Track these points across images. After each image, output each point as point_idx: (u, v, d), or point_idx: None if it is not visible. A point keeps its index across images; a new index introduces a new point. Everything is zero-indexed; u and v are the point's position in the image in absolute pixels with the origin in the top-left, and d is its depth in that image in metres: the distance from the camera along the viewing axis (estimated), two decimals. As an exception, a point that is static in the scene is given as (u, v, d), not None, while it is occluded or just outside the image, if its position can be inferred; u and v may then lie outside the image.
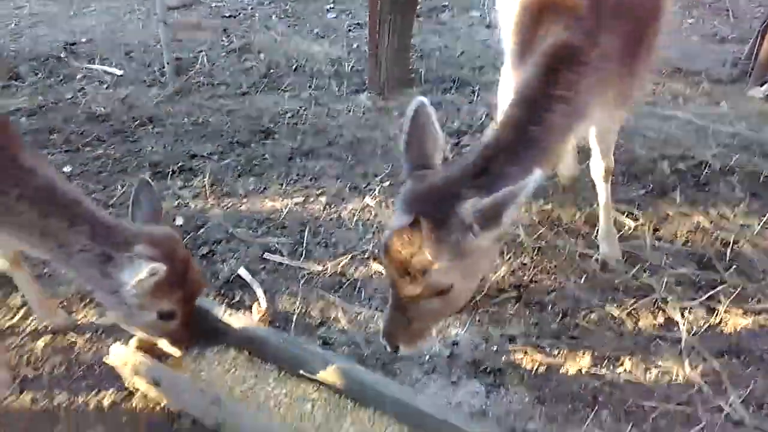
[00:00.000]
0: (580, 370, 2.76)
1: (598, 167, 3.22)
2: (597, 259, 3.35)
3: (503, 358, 2.81)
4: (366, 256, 3.44)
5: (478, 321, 3.03)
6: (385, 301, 3.13)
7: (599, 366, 2.78)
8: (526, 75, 2.38)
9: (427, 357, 2.84)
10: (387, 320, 2.28)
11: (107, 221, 2.34)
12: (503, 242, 3.38)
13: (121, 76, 5.63)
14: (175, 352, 2.50)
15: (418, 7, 5.69)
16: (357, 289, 3.24)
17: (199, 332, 2.60)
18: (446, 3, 7.15)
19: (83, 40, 6.39)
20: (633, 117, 4.74)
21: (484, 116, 4.83)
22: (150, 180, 2.58)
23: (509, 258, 3.39)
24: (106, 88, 5.46)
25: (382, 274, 3.33)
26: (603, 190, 3.31)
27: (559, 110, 2.27)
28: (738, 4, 7.12)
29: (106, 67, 5.72)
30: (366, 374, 2.49)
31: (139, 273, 2.17)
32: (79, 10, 7.21)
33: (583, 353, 2.84)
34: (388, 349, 2.32)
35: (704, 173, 4.07)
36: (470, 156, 2.23)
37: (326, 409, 2.52)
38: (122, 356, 2.53)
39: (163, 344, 2.49)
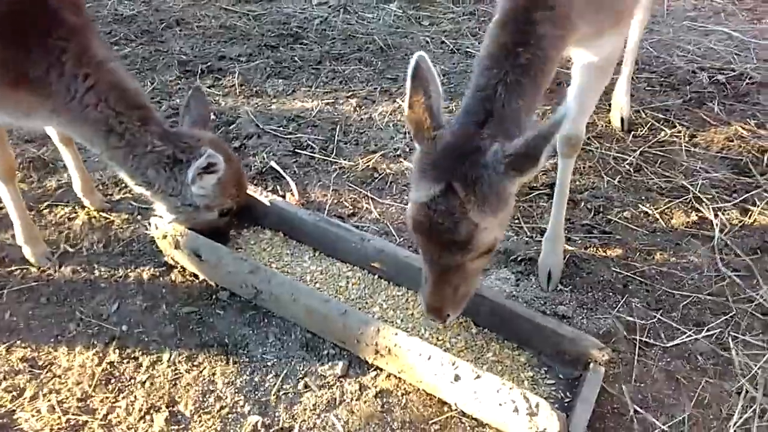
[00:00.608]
0: (611, 260, 2.78)
1: (564, 135, 2.52)
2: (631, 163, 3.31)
3: (534, 248, 2.82)
4: (398, 153, 3.43)
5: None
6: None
7: (630, 259, 2.80)
8: None
9: (459, 246, 2.86)
10: (431, 295, 2.06)
11: (169, 126, 2.41)
12: None
13: (146, -21, 5.49)
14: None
15: None
16: (388, 183, 3.25)
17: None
18: None
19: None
20: (671, 30, 4.61)
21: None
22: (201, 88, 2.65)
23: (542, 158, 3.36)
24: (131, -12, 5.34)
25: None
26: (564, 169, 2.66)
27: (545, 20, 1.99)
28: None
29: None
30: (401, 251, 2.53)
31: (216, 168, 2.30)
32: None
33: (615, 246, 2.85)
34: (437, 322, 2.20)
35: (744, 85, 3.95)
36: (469, 103, 2.00)
37: (360, 285, 2.57)
38: (163, 228, 2.57)
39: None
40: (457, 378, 2.05)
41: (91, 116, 2.24)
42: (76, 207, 3.04)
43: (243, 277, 2.43)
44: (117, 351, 2.40)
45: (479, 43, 4.48)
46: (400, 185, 3.23)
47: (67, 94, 2.20)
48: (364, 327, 2.20)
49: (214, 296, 2.61)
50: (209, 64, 4.27)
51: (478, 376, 2.02)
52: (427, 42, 4.56)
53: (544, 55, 2.00)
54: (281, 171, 3.27)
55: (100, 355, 2.38)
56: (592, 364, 2.18)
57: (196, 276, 2.68)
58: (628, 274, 2.72)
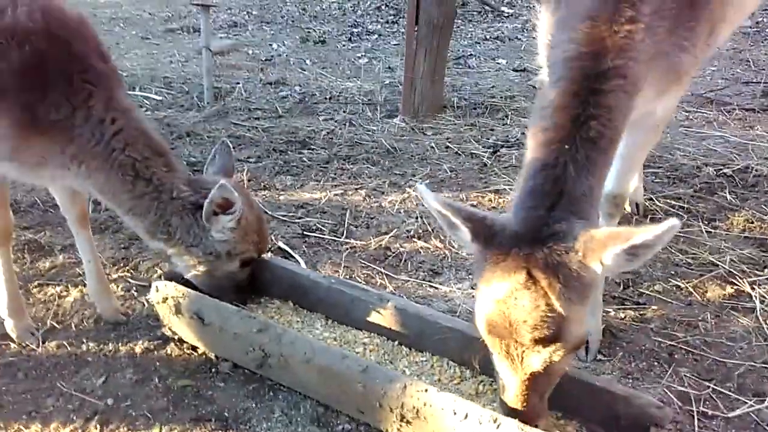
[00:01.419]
0: (651, 330, 2.55)
1: (608, 193, 2.37)
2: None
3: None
4: (411, 234, 3.32)
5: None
6: (432, 273, 2.99)
7: (670, 329, 2.57)
8: (564, 51, 1.90)
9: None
10: (519, 407, 1.78)
11: (187, 172, 2.36)
12: None
13: (160, 100, 5.76)
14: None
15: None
16: (403, 260, 3.09)
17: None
18: (472, 53, 7.41)
19: (125, 74, 6.62)
20: (668, 135, 4.75)
21: (519, 134, 4.83)
22: (228, 142, 2.62)
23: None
24: (146, 111, 5.56)
25: (429, 249, 3.20)
26: None
27: (617, 89, 1.81)
28: (757, 55, 7.30)
29: (146, 93, 5.87)
30: (424, 309, 2.31)
31: (235, 208, 2.21)
32: (121, 55, 7.54)
33: (652, 317, 2.63)
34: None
35: (751, 176, 3.97)
36: (534, 183, 1.79)
37: (380, 351, 2.31)
38: (165, 291, 2.36)
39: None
40: (499, 439, 1.74)
41: (118, 161, 2.15)
42: (69, 286, 2.83)
43: (250, 338, 2.17)
44: (99, 426, 2.07)
45: (483, 147, 4.60)
46: (415, 262, 3.07)
47: (92, 138, 2.12)
48: (388, 385, 1.92)
49: (213, 369, 2.33)
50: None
51: (525, 434, 1.71)
52: (432, 147, 4.66)
53: (614, 126, 1.82)
54: (290, 251, 3.13)
55: (79, 431, 2.05)
56: (653, 429, 1.88)
57: (194, 348, 2.41)
58: (672, 343, 2.47)
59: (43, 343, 2.46)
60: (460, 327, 2.23)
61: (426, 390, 1.87)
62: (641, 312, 2.67)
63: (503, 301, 1.66)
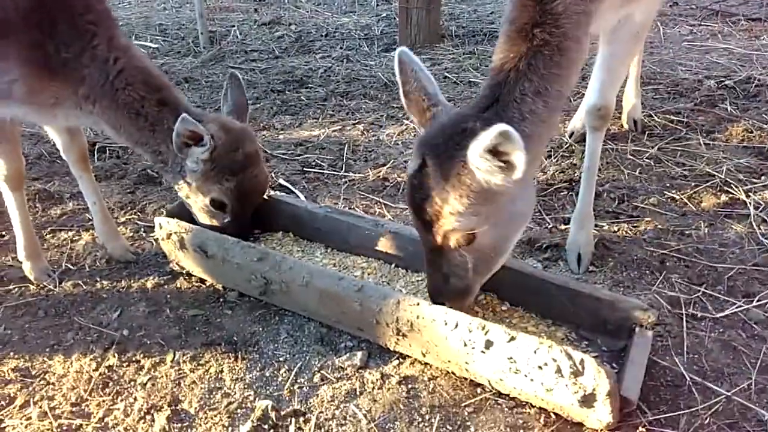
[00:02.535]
0: (643, 241, 2.60)
1: (591, 105, 2.42)
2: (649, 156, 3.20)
3: (558, 236, 2.66)
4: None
5: (530, 209, 2.89)
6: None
7: (663, 239, 2.62)
8: None
9: (479, 240, 2.70)
10: (428, 279, 2.06)
11: (189, 107, 2.39)
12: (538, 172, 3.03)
13: (157, 48, 5.74)
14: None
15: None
16: (401, 190, 3.14)
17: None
18: (471, -20, 7.21)
19: (120, 24, 6.55)
20: (671, 51, 4.65)
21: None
22: (237, 75, 2.63)
23: (557, 159, 3.27)
24: (142, 59, 5.55)
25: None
26: (592, 143, 2.47)
27: None
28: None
29: (141, 42, 5.84)
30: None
31: (205, 141, 2.24)
32: (114, 4, 7.44)
33: (646, 228, 2.68)
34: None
35: (753, 87, 3.91)
36: (482, 87, 1.94)
37: (377, 274, 2.41)
38: (168, 228, 2.45)
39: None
40: (489, 344, 1.83)
41: (121, 99, 2.25)
42: (80, 231, 2.94)
43: (252, 267, 2.27)
44: (116, 355, 2.20)
45: (481, 75, 4.55)
46: (412, 190, 3.12)
47: (100, 77, 2.20)
48: (382, 302, 2.01)
49: (221, 299, 2.44)
50: (217, 107, 4.32)
51: (512, 338, 1.80)
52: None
53: (561, 33, 1.85)
54: (290, 186, 3.19)
55: (98, 360, 2.19)
56: (637, 329, 1.96)
57: (202, 281, 2.53)
58: (664, 252, 2.53)
59: (60, 283, 2.58)
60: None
61: (418, 303, 1.96)
62: (635, 225, 2.71)
63: (408, 178, 1.93)
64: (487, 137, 1.65)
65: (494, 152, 1.69)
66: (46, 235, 2.92)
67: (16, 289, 2.57)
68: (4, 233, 2.92)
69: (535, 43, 1.84)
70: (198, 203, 2.45)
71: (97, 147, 3.68)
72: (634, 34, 2.29)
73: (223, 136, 2.33)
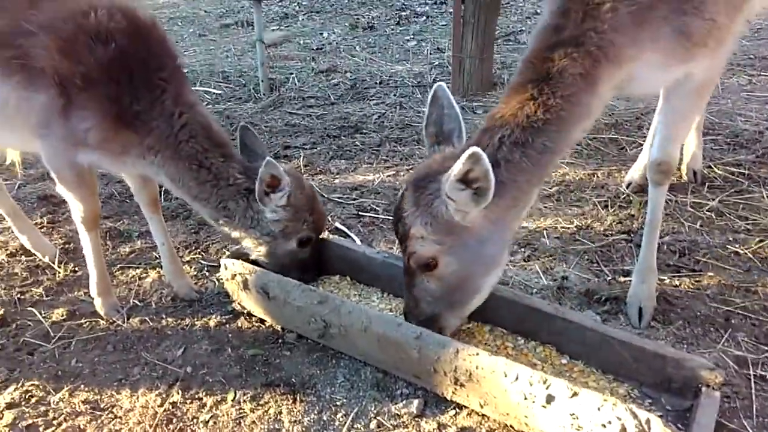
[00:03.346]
0: (707, 296, 2.54)
1: (653, 160, 2.41)
2: (711, 209, 3.14)
3: (618, 289, 2.62)
4: (462, 211, 3.39)
5: (587, 260, 2.87)
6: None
7: (727, 295, 2.55)
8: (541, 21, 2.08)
9: (535, 290, 2.70)
10: (404, 298, 2.28)
11: (246, 161, 2.52)
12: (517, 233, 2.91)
13: (219, 94, 6.02)
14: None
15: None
16: (455, 237, 3.17)
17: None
18: (522, 28, 7.33)
19: (185, 70, 6.92)
20: (730, 101, 4.59)
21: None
22: (249, 127, 2.74)
23: (614, 210, 3.25)
24: (206, 105, 5.84)
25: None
26: (655, 197, 2.47)
27: (577, 56, 1.94)
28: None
29: (205, 88, 6.15)
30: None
31: (282, 185, 2.37)
32: (181, 52, 7.89)
33: (708, 283, 2.62)
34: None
35: (820, 139, 3.82)
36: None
37: (434, 321, 2.42)
38: (233, 269, 2.55)
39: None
40: (550, 399, 1.82)
41: (184, 152, 2.37)
42: (147, 268, 3.08)
43: (312, 310, 2.33)
44: (180, 392, 2.28)
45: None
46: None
47: (165, 130, 2.34)
48: (440, 350, 2.03)
49: (280, 339, 2.50)
50: (276, 152, 4.49)
51: (575, 394, 1.79)
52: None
53: (552, 93, 1.97)
54: (346, 230, 3.27)
55: (163, 396, 2.27)
56: (704, 389, 1.91)
57: (262, 321, 2.60)
58: (729, 309, 2.46)
59: (128, 319, 2.70)
60: (509, 296, 2.31)
61: (477, 354, 1.97)
62: (697, 279, 2.66)
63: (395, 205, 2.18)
64: (459, 163, 1.87)
65: (466, 181, 1.91)
66: (115, 271, 3.07)
67: (87, 324, 2.70)
68: (77, 269, 3.09)
69: (525, 97, 1.98)
70: (283, 247, 2.54)
71: (163, 188, 3.85)
72: (696, 92, 2.28)
73: (290, 179, 2.43)
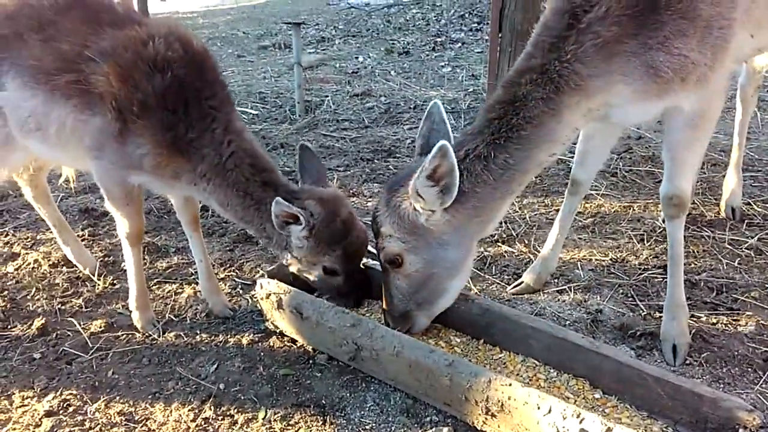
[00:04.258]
0: (744, 336, 2.49)
1: (663, 194, 2.39)
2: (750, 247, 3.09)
3: (654, 324, 2.59)
4: (495, 238, 3.40)
5: (622, 293, 2.85)
6: (517, 276, 3.06)
7: (766, 335, 2.49)
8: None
9: (568, 322, 2.68)
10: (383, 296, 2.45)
11: (289, 185, 2.57)
12: (479, 246, 2.96)
13: (256, 114, 6.17)
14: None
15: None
16: (487, 264, 3.18)
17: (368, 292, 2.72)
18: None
19: (224, 91, 7.11)
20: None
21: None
22: (308, 145, 2.79)
23: (650, 243, 3.22)
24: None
25: (513, 252, 3.28)
26: (672, 231, 2.44)
27: (541, 82, 2.09)
28: None
29: (243, 108, 6.30)
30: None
31: (301, 221, 2.41)
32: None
33: (746, 322, 2.57)
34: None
35: None
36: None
37: (465, 348, 2.42)
38: (268, 288, 2.59)
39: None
40: (583, 434, 1.80)
41: (231, 179, 2.44)
42: (183, 284, 3.15)
43: (344, 332, 2.35)
44: (213, 408, 2.31)
45: (569, 152, 4.58)
46: (499, 265, 3.15)
47: (215, 157, 2.41)
48: (473, 379, 2.03)
49: (311, 360, 2.53)
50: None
51: (609, 430, 1.76)
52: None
53: (515, 113, 2.13)
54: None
55: (196, 411, 2.30)
56: (741, 430, 1.86)
57: (294, 341, 2.63)
58: (767, 349, 2.41)
59: (163, 333, 2.76)
60: (543, 328, 2.30)
61: (510, 384, 1.96)
62: (735, 318, 2.61)
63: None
64: (428, 158, 2.02)
65: (434, 178, 2.08)
66: (152, 286, 3.14)
67: (124, 336, 2.76)
68: (115, 282, 3.17)
69: (492, 116, 2.16)
70: (312, 273, 2.58)
71: (201, 204, 3.95)
72: (690, 125, 2.26)
73: (320, 210, 2.45)
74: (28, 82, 2.46)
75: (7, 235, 3.70)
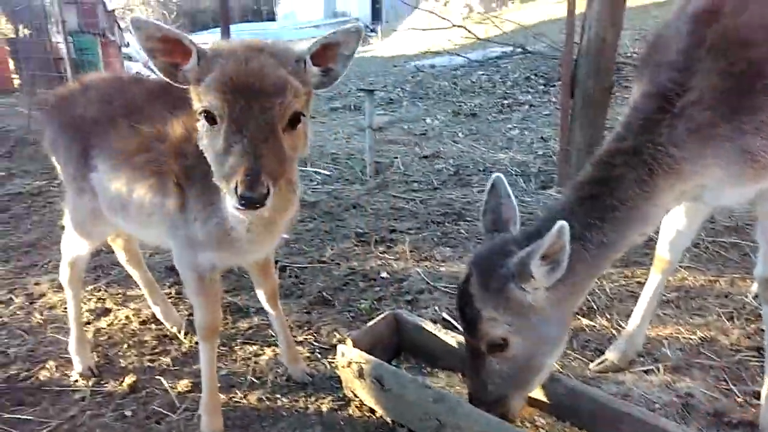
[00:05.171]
0: None
1: (759, 276, 2.40)
2: None
3: (752, 411, 2.45)
4: (582, 312, 3.33)
5: (713, 376, 2.72)
6: (599, 353, 2.98)
7: None
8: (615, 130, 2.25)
9: (657, 405, 2.57)
10: (468, 382, 2.34)
11: None
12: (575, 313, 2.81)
13: (328, 175, 6.38)
14: None
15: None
16: (570, 339, 3.11)
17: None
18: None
19: (297, 151, 7.41)
20: None
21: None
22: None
23: (741, 322, 3.07)
24: (316, 184, 6.20)
25: (594, 327, 3.20)
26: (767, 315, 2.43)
27: (634, 164, 2.09)
28: None
29: (316, 169, 6.54)
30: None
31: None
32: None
33: None
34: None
35: None
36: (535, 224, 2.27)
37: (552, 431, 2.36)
38: (349, 356, 2.63)
39: None
40: None
41: None
42: (264, 346, 3.24)
43: (426, 407, 2.34)
44: (295, 477, 2.33)
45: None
46: (580, 340, 3.08)
47: None
48: (563, 466, 1.98)
49: (391, 432, 2.52)
50: (382, 235, 4.66)
51: None
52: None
53: (610, 194, 2.10)
54: (454, 322, 3.29)
55: (278, 479, 2.33)
56: None
57: (373, 411, 2.64)
58: None
59: (245, 396, 2.83)
60: (636, 414, 2.22)
61: (604, 474, 1.90)
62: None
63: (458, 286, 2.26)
64: (548, 237, 1.91)
65: (545, 258, 1.99)
66: (234, 346, 3.24)
67: (209, 396, 2.84)
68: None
69: (583, 194, 2.16)
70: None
71: (278, 265, 4.09)
72: None
73: None
74: (114, 163, 2.51)
75: (99, 290, 3.92)
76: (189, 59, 1.83)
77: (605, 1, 4.87)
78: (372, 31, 28.41)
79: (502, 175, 2.39)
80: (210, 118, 1.79)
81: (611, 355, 2.88)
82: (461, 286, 2.22)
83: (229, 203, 1.76)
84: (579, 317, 3.28)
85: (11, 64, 13.33)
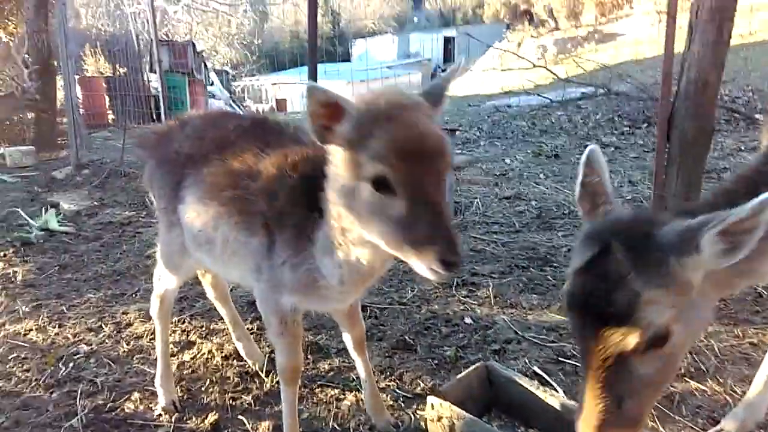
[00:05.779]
0: None
1: None
2: None
3: None
4: (682, 373, 3.04)
5: None
6: (713, 422, 2.69)
7: None
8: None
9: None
10: (586, 408, 1.61)
11: None
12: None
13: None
14: None
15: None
16: (675, 403, 2.83)
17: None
18: (725, 166, 6.86)
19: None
20: None
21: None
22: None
23: None
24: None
25: (705, 391, 2.91)
26: None
27: None
28: None
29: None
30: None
31: None
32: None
33: None
34: None
35: None
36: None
37: None
38: (440, 411, 2.49)
39: None
40: None
41: None
42: (345, 390, 3.14)
43: (525, 473, 2.16)
44: None
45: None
46: (691, 406, 2.79)
47: None
48: None
49: (483, 497, 2.34)
50: (464, 278, 4.50)
51: None
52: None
53: None
54: (547, 377, 3.08)
55: None
56: None
57: (463, 471, 2.47)
58: None
59: (324, 442, 2.73)
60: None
61: None
62: None
63: (581, 269, 1.64)
64: (743, 209, 1.50)
65: (726, 234, 1.54)
66: (315, 388, 3.16)
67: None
68: (281, 380, 3.23)
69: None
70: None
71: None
72: None
73: None
74: (202, 197, 2.49)
75: (184, 322, 3.97)
76: (340, 120, 1.80)
77: (707, 41, 4.62)
78: (444, 71, 28.71)
79: (597, 147, 2.02)
80: (379, 184, 1.74)
81: (728, 425, 2.59)
82: (596, 268, 1.62)
83: (422, 267, 1.71)
84: (687, 379, 3.00)
85: (107, 101, 14.27)
